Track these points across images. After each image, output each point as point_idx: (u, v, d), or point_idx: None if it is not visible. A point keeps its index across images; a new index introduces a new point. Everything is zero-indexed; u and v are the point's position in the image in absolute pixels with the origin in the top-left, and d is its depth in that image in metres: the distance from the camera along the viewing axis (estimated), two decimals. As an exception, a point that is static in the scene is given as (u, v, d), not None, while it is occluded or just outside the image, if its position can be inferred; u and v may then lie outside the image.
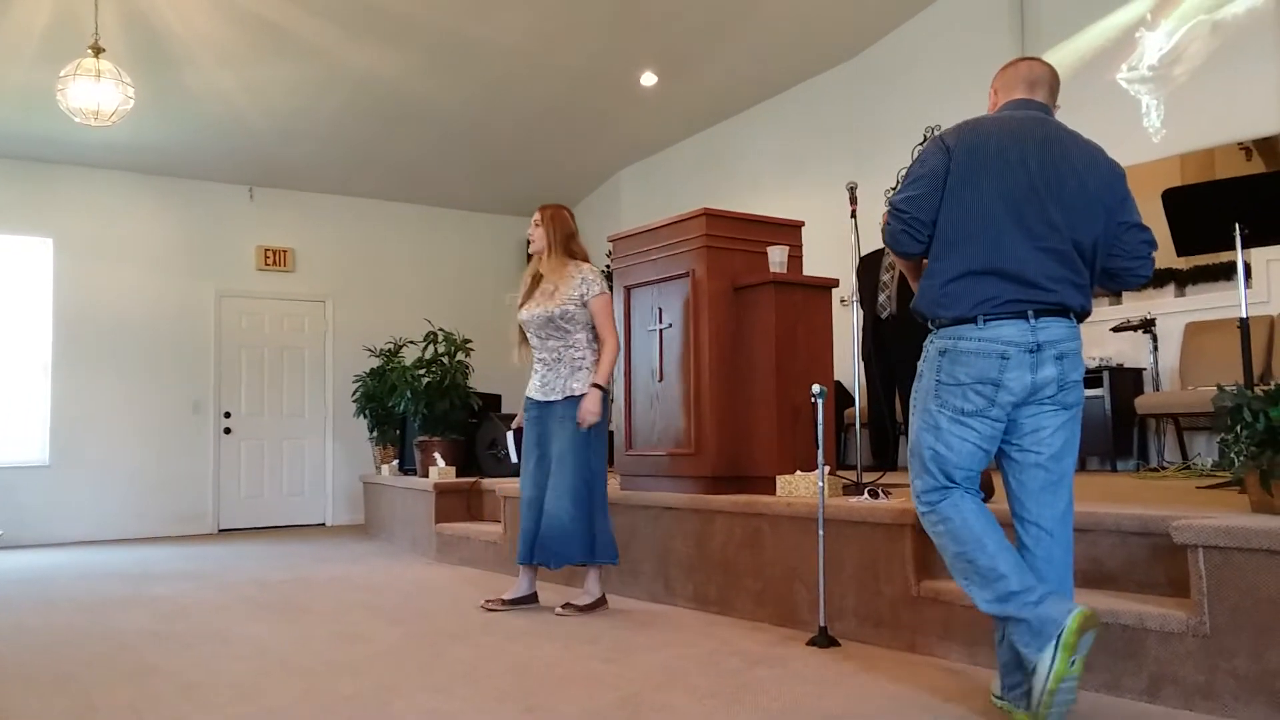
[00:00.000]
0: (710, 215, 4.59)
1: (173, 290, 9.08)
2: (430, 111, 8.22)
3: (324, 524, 9.62)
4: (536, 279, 4.52)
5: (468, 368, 7.85)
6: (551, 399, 4.42)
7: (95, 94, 5.74)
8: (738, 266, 4.62)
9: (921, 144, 2.55)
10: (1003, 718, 2.60)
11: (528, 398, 4.54)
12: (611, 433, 4.81)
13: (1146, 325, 5.84)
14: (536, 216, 4.54)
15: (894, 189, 2.81)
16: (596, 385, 4.36)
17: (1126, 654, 2.75)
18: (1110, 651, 2.78)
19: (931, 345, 2.64)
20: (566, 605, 4.37)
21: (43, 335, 8.54)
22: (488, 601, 4.55)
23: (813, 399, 3.74)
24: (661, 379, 4.79)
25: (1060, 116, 2.74)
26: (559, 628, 4.06)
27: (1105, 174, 2.60)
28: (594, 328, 4.44)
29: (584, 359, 4.42)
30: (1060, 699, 2.34)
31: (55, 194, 8.59)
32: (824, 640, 3.53)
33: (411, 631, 4.08)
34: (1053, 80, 2.78)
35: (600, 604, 4.43)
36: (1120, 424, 5.81)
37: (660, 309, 4.80)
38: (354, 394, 8.66)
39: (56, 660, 3.67)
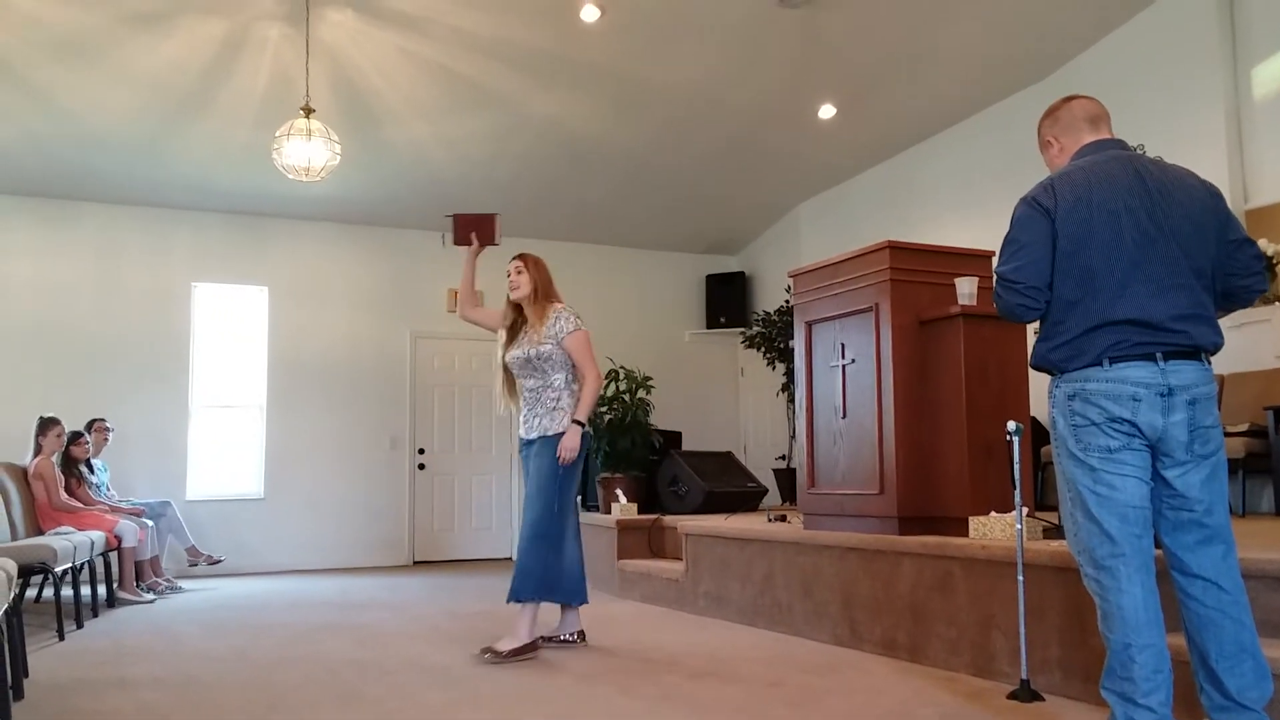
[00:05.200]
0: (894, 248, 4.47)
1: (373, 333, 9.62)
2: (610, 153, 8.42)
3: (510, 558, 9.88)
4: (518, 325, 4.59)
5: (649, 405, 7.93)
6: (530, 438, 4.50)
7: (306, 152, 6.16)
8: (923, 299, 4.47)
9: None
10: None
11: (519, 437, 4.63)
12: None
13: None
14: (518, 264, 4.61)
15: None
16: (576, 421, 4.38)
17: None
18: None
19: (1058, 390, 2.61)
20: (491, 651, 4.31)
21: (259, 377, 9.22)
22: (544, 638, 4.50)
23: (1008, 436, 3.56)
24: (845, 416, 4.68)
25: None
26: (742, 668, 4.00)
27: (1205, 197, 2.58)
28: (574, 366, 4.49)
29: (559, 399, 4.46)
30: None
31: (270, 245, 9.29)
32: (1026, 694, 3.32)
33: (596, 667, 4.11)
34: (1107, 112, 2.75)
35: (528, 650, 4.29)
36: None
37: (843, 344, 4.70)
38: (539, 431, 8.87)
39: (271, 684, 3.90)
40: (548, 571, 4.35)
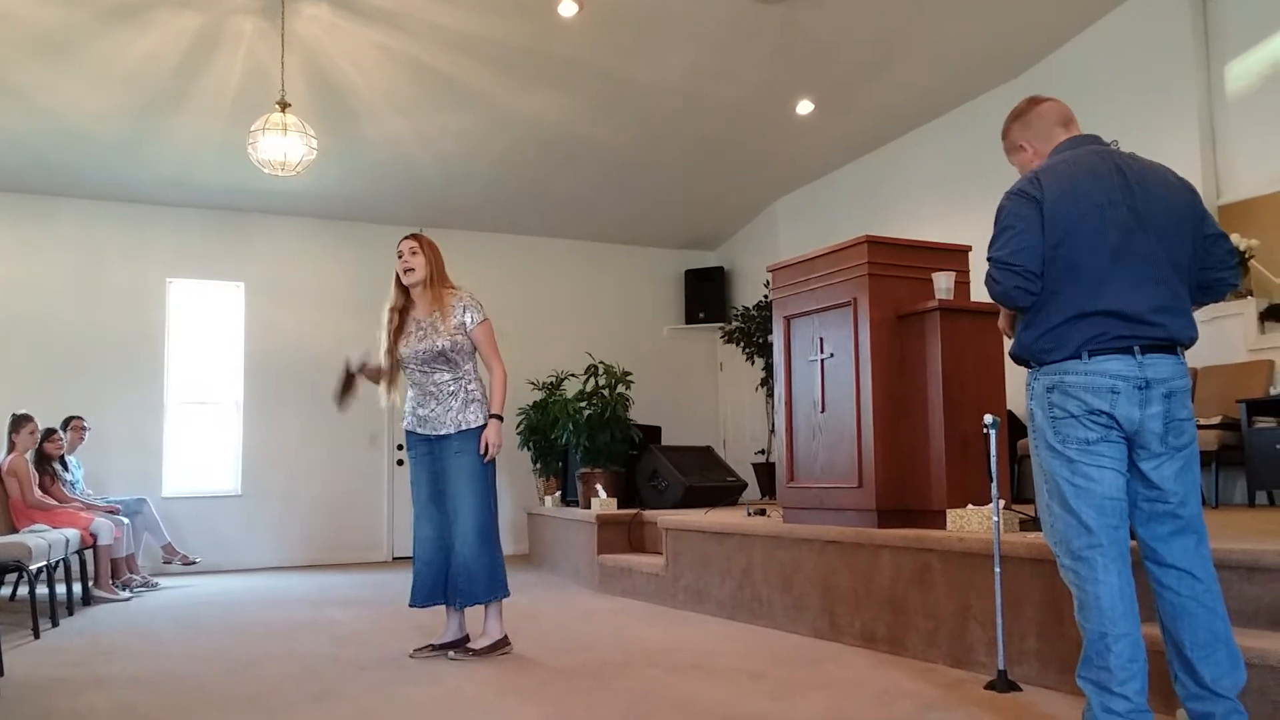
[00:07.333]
0: (872, 242, 4.49)
1: (350, 329, 9.48)
2: (591, 150, 8.41)
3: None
4: (407, 310, 4.40)
5: (628, 400, 7.93)
6: (444, 433, 4.28)
7: (282, 146, 6.12)
8: (901, 294, 4.49)
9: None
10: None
11: (411, 432, 4.39)
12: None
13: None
14: (413, 244, 4.37)
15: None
16: (496, 416, 4.26)
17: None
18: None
19: (1037, 382, 2.63)
20: (462, 649, 4.24)
21: (235, 373, 9.15)
22: (416, 650, 4.33)
23: (985, 430, 3.58)
24: (824, 410, 4.70)
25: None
26: (723, 662, 4.01)
27: (1183, 192, 2.63)
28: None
29: (476, 391, 4.31)
30: None
31: (246, 241, 9.22)
32: (1003, 685, 3.35)
33: (576, 662, 4.11)
34: (1073, 114, 2.79)
35: (503, 645, 4.29)
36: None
37: (821, 339, 4.72)
38: (518, 426, 8.88)
39: (248, 682, 3.88)
40: (496, 568, 4.25)
